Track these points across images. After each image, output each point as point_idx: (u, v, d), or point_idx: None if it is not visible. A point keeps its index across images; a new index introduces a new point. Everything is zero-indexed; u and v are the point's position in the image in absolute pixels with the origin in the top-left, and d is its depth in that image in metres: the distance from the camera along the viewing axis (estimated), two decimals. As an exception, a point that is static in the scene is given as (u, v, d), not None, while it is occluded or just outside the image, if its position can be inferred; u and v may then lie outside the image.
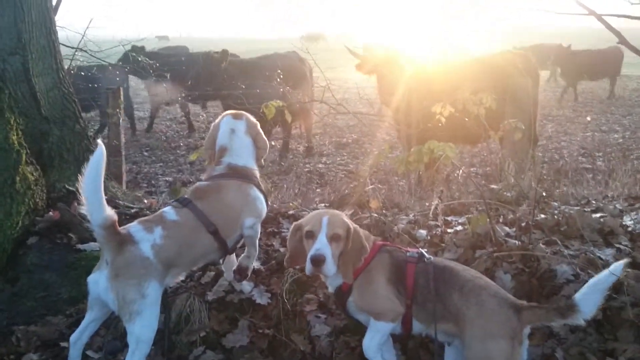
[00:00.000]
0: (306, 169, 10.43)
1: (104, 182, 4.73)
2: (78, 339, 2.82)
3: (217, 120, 3.33)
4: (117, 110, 6.92)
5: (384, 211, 4.05)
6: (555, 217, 3.78)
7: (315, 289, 3.39)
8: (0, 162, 3.65)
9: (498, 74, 7.39)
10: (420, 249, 2.91)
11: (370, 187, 4.27)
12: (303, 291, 3.39)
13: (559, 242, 3.43)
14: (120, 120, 7.00)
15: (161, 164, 11.17)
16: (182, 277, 3.53)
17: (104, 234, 2.63)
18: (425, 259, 2.76)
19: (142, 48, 10.83)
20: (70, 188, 4.26)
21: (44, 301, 3.38)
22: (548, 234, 3.65)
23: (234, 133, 3.23)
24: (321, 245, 2.61)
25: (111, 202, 4.32)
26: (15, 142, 3.83)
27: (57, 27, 6.48)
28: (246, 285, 3.40)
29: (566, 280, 3.14)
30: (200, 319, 3.28)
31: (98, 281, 2.68)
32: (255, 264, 3.59)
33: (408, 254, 2.82)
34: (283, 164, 11.03)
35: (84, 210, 2.61)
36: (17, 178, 3.68)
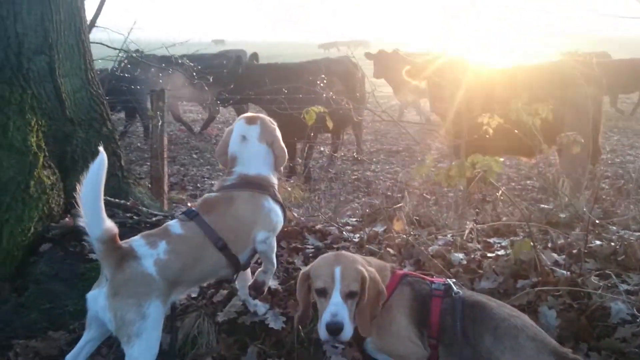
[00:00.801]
0: (354, 177, 10.16)
1: (131, 187, 4.68)
2: (74, 359, 2.62)
3: (231, 126, 3.08)
4: (158, 112, 6.84)
5: (412, 230, 3.70)
6: (612, 244, 3.34)
7: (335, 314, 3.08)
8: (15, 165, 3.54)
9: (557, 82, 6.89)
10: (448, 279, 2.54)
11: (399, 204, 3.91)
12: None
13: (615, 275, 3.01)
14: (162, 123, 6.92)
15: (209, 166, 11.12)
16: (194, 294, 3.34)
17: (103, 248, 2.42)
18: (454, 293, 2.39)
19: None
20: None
21: (48, 313, 3.21)
22: (603, 264, 3.22)
23: (246, 140, 2.95)
24: (337, 308, 2.29)
25: (133, 209, 4.18)
26: (34, 144, 3.71)
27: (100, 28, 6.50)
28: (261, 307, 3.13)
29: (621, 320, 2.72)
30: (208, 342, 3.03)
31: (97, 298, 2.47)
32: (273, 283, 3.33)
33: (433, 285, 2.46)
34: (331, 170, 10.79)
35: (81, 222, 2.41)
36: (32, 182, 3.55)
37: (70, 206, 3.99)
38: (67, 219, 3.73)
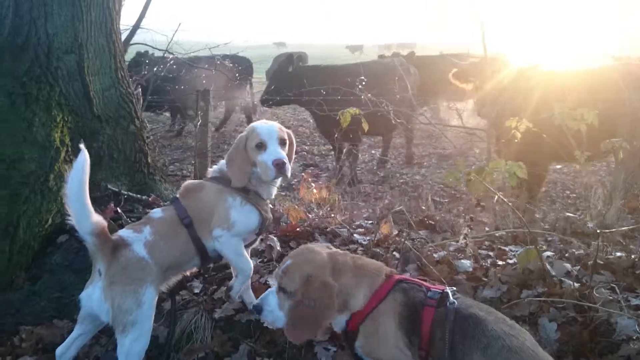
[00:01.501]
0: (402, 180, 10.03)
1: (157, 183, 4.78)
2: (64, 352, 2.70)
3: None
4: (199, 112, 6.99)
5: (412, 234, 3.59)
6: (633, 256, 3.13)
7: (331, 317, 3.03)
8: (37, 158, 3.68)
9: (610, 87, 6.54)
10: (449, 287, 2.37)
11: (398, 207, 3.81)
12: (317, 318, 3.05)
13: (629, 289, 2.82)
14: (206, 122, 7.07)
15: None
16: (196, 290, 3.38)
17: (95, 241, 2.50)
18: (448, 302, 2.21)
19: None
20: (113, 188, 4.25)
21: (57, 302, 3.33)
22: (620, 277, 3.02)
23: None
24: (266, 296, 2.42)
25: (153, 204, 4.27)
26: (57, 139, 3.85)
27: (145, 29, 6.69)
28: (259, 305, 3.13)
29: (626, 337, 2.54)
30: (203, 337, 3.05)
31: (91, 295, 2.56)
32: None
33: (429, 293, 2.30)
34: (379, 173, 10.69)
35: (71, 220, 2.48)
36: (52, 176, 3.68)
37: (92, 200, 4.13)
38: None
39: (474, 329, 2.11)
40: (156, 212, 2.84)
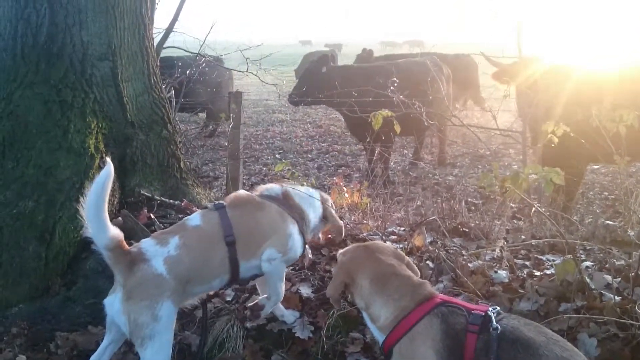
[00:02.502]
0: (434, 181, 9.90)
1: (189, 188, 4.81)
2: None
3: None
4: (232, 115, 7.00)
5: (446, 242, 3.52)
6: (678, 269, 3.00)
7: (364, 327, 2.99)
8: (72, 165, 3.74)
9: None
10: (490, 306, 2.19)
11: (432, 217, 3.73)
12: (349, 328, 3.02)
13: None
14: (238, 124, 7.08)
15: (289, 167, 11.27)
16: (228, 297, 3.37)
17: (111, 255, 2.49)
18: (492, 328, 2.03)
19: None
20: (146, 194, 4.28)
21: (91, 308, 3.36)
22: (663, 290, 2.91)
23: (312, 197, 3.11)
24: None
25: (186, 209, 4.29)
26: (92, 146, 3.90)
27: (177, 32, 6.74)
28: (289, 315, 3.12)
29: (672, 356, 2.44)
30: (235, 346, 3.05)
31: (113, 304, 2.55)
32: (306, 292, 3.30)
33: (470, 318, 2.11)
34: (412, 173, 10.59)
35: (87, 232, 2.49)
36: (87, 182, 3.72)
37: (126, 205, 4.18)
38: (119, 218, 3.89)
39: (524, 355, 1.96)
40: (193, 219, 2.75)
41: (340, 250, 2.50)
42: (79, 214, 3.62)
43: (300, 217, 2.93)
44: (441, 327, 2.11)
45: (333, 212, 3.17)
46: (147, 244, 2.60)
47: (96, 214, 2.41)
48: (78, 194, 3.67)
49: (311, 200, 3.07)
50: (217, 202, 2.86)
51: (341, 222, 3.18)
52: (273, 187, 2.99)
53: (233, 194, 2.94)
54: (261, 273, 2.80)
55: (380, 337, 2.27)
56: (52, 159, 3.70)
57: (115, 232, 2.47)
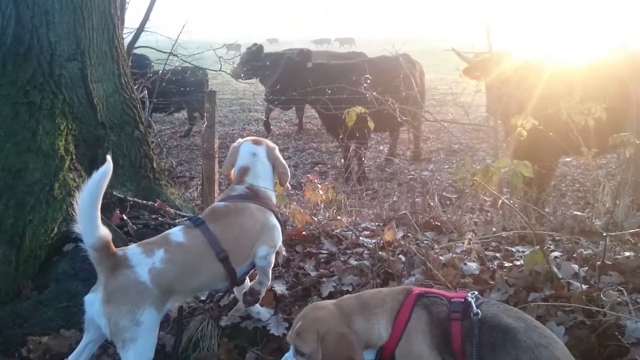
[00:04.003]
0: (410, 177, 9.96)
1: (162, 188, 4.78)
2: None
3: (235, 144, 3.13)
4: (206, 114, 6.97)
5: (425, 236, 3.56)
6: (641, 256, 3.09)
7: (339, 323, 3.01)
8: (41, 167, 3.69)
9: (616, 79, 6.44)
10: (468, 292, 2.25)
11: (402, 212, 3.77)
12: (324, 324, 3.03)
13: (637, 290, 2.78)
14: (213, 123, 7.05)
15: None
16: (202, 297, 3.37)
17: (97, 255, 2.48)
18: (472, 313, 2.11)
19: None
20: (119, 195, 4.25)
21: (64, 312, 3.33)
22: (629, 278, 2.98)
23: (255, 156, 3.04)
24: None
25: (159, 210, 4.27)
26: (61, 147, 3.86)
27: (149, 31, 6.69)
28: (264, 313, 3.13)
29: (635, 340, 2.50)
30: (210, 345, 3.05)
31: (93, 302, 2.53)
32: (280, 288, 3.32)
33: (451, 305, 2.18)
34: (387, 169, 10.65)
35: (76, 228, 2.48)
36: (57, 184, 3.69)
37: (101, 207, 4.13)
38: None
39: (503, 340, 2.02)
40: (175, 235, 2.69)
41: (292, 336, 2.30)
42: (49, 216, 3.64)
43: (270, 201, 2.96)
44: (427, 318, 2.18)
45: (278, 157, 3.12)
46: (133, 252, 2.57)
47: (89, 212, 2.39)
48: (49, 196, 3.65)
49: (264, 168, 3.05)
50: (194, 217, 2.85)
51: (287, 167, 3.13)
52: (235, 188, 2.98)
53: (209, 208, 2.94)
54: (254, 267, 2.85)
55: (372, 356, 2.27)
56: (21, 162, 3.64)
57: (105, 232, 2.45)
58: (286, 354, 2.33)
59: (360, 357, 2.17)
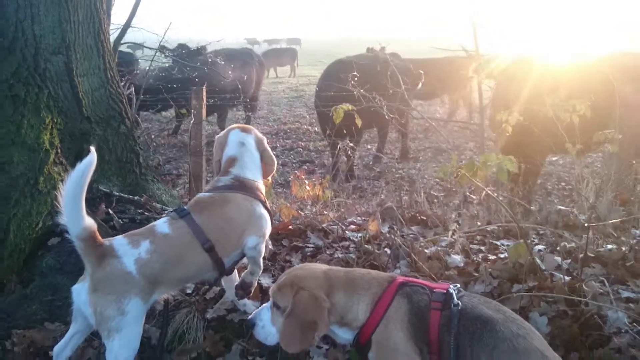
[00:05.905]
0: (397, 175, 10.00)
1: (149, 183, 4.76)
2: (62, 350, 2.66)
3: (222, 133, 3.10)
4: (193, 110, 6.94)
5: (403, 230, 3.57)
6: (624, 249, 3.12)
7: (325, 315, 3.02)
8: (26, 161, 3.67)
9: (601, 78, 6.51)
10: (450, 284, 2.27)
11: (388, 204, 3.80)
12: (309, 317, 3.04)
13: (620, 281, 2.82)
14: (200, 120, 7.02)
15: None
16: (188, 290, 3.36)
17: (83, 245, 2.46)
18: (452, 304, 2.13)
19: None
20: (105, 189, 4.23)
21: (49, 305, 3.31)
22: (611, 270, 3.02)
23: (244, 146, 3.01)
24: (258, 310, 2.42)
25: (146, 205, 4.26)
26: (46, 141, 3.84)
27: (135, 28, 6.66)
28: (250, 305, 3.12)
29: (617, 329, 2.54)
30: (195, 337, 3.04)
31: (80, 292, 2.51)
32: (266, 281, 3.31)
33: (433, 295, 2.20)
34: (375, 168, 10.68)
35: (62, 219, 2.47)
36: (41, 178, 3.67)
37: (86, 202, 4.11)
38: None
39: (482, 330, 2.04)
40: (161, 226, 2.67)
41: (273, 289, 2.35)
42: (34, 210, 3.62)
43: (257, 190, 2.93)
44: (407, 307, 2.20)
45: (267, 148, 3.12)
46: (119, 242, 2.56)
47: (73, 202, 2.38)
48: (33, 190, 3.63)
49: (252, 157, 3.03)
50: (179, 208, 2.82)
51: (274, 160, 3.13)
52: (221, 179, 2.95)
53: (194, 199, 2.91)
54: (243, 257, 2.84)
55: (350, 336, 2.29)
56: (5, 155, 3.61)
57: (90, 222, 2.44)
58: (265, 304, 2.40)
59: (325, 325, 2.21)
